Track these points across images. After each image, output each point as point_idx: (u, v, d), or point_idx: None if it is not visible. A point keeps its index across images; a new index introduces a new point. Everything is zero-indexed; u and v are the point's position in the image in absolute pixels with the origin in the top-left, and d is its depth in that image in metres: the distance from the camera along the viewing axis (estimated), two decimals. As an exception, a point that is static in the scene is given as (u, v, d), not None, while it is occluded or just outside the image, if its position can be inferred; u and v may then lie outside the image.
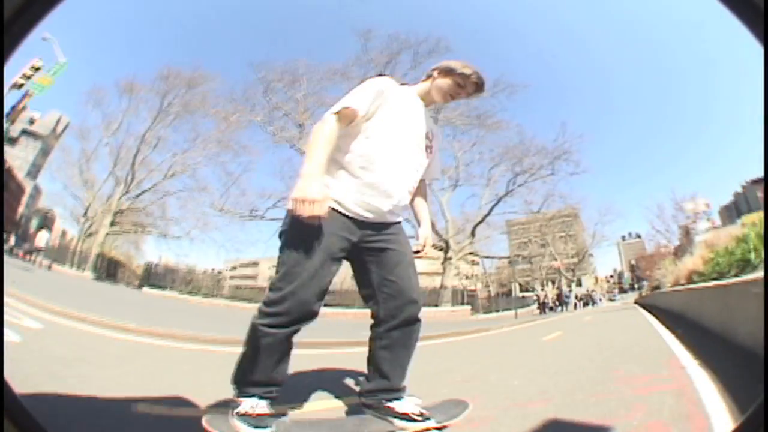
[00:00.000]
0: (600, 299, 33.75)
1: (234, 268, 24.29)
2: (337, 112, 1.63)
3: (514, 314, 17.46)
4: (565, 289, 29.90)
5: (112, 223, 18.85)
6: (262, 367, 1.59)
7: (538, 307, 25.16)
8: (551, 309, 24.60)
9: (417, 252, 1.91)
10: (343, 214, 1.66)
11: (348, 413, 1.96)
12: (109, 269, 15.54)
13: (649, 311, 11.24)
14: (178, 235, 20.06)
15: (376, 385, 1.75)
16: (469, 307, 19.04)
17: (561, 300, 27.71)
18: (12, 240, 15.07)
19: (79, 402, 1.85)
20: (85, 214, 19.51)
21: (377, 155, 1.70)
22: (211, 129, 21.33)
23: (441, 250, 21.81)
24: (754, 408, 0.92)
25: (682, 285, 9.85)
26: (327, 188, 1.57)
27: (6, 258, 8.73)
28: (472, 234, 22.99)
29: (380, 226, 1.76)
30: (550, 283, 32.01)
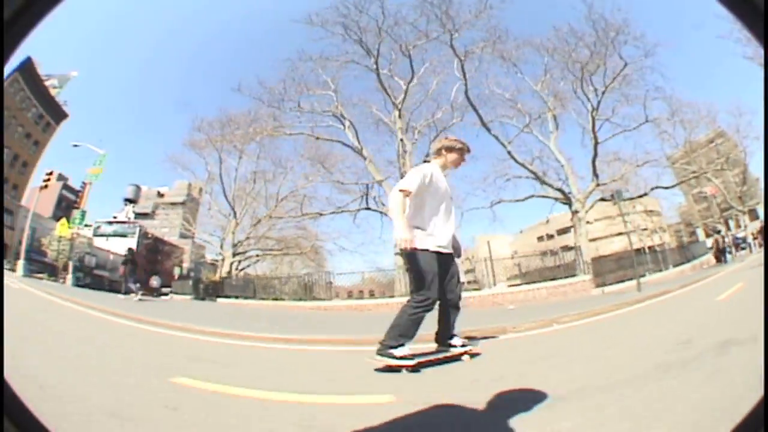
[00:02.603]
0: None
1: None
2: (401, 190, 3.07)
3: (637, 285, 10.31)
4: (733, 230, 22.32)
5: (234, 254, 21.30)
6: (414, 329, 3.02)
7: (715, 255, 18.22)
8: (723, 257, 17.82)
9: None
10: (433, 251, 3.12)
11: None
12: (207, 290, 18.10)
13: None
14: (298, 252, 22.41)
15: (444, 333, 3.30)
16: (589, 278, 13.34)
17: (736, 244, 20.42)
18: (156, 282, 18.88)
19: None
20: (220, 252, 22.48)
21: (437, 218, 3.21)
22: (301, 148, 22.40)
23: (565, 203, 18.51)
24: (754, 407, 0.92)
25: None
26: (411, 233, 3.03)
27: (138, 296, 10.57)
28: (595, 174, 18.55)
29: (447, 255, 3.27)
30: (728, 222, 25.72)
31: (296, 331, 5.81)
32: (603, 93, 18.88)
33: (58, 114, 25.29)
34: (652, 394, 1.91)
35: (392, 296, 14.53)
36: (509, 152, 19.12)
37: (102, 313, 6.72)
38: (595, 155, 18.68)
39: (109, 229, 24.13)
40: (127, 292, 10.68)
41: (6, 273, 14.20)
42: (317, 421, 1.77)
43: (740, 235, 21.36)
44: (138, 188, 29.34)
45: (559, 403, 1.83)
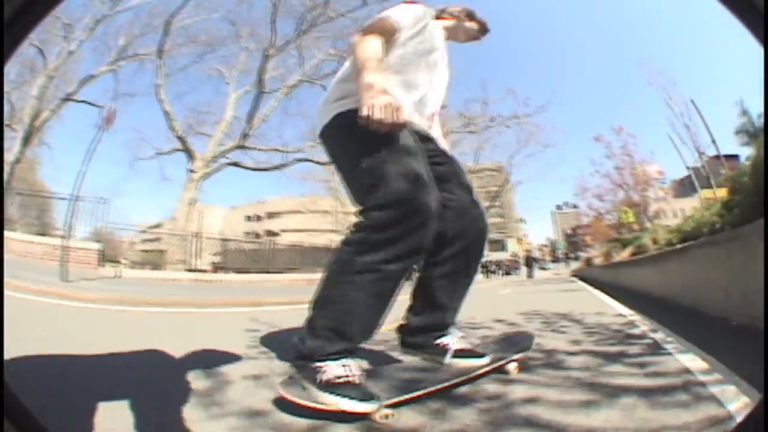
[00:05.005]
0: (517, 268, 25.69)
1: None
2: (381, 20, 1.50)
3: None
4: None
5: None
6: (363, 317, 1.24)
7: None
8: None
9: None
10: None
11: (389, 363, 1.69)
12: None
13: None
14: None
15: (426, 321, 1.52)
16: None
17: None
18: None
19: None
20: None
21: (417, 80, 1.59)
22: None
23: (188, 157, 15.04)
24: (754, 408, 0.92)
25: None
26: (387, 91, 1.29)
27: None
28: (245, 134, 15.68)
29: (429, 139, 1.63)
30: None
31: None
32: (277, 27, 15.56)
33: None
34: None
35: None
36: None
37: None
38: (253, 108, 15.75)
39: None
40: None
41: None
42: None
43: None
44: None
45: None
